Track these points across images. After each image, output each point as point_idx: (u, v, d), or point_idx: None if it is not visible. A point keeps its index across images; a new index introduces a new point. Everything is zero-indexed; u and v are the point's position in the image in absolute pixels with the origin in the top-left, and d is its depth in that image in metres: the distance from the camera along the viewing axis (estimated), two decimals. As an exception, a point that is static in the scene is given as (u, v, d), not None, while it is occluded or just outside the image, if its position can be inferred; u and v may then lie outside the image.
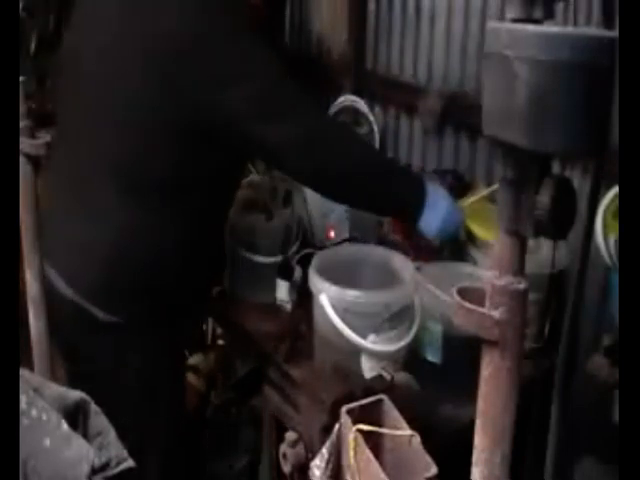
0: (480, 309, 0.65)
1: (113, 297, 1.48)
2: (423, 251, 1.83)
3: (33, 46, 2.70)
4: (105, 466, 0.75)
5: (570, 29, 0.59)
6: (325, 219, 2.17)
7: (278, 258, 1.87)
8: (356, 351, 1.50)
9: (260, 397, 1.73)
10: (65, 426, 0.75)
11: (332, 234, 2.09)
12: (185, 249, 1.53)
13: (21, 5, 1.49)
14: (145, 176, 1.44)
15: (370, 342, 1.49)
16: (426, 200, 1.52)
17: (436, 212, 1.53)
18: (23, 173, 1.19)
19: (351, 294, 1.49)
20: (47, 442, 0.74)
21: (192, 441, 2.16)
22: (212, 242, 1.66)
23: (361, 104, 2.32)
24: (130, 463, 0.77)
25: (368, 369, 1.50)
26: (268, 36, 2.63)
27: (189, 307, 1.64)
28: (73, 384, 1.38)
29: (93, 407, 0.81)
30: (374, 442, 1.19)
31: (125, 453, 0.78)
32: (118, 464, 0.76)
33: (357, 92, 2.40)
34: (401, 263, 1.66)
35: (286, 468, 1.40)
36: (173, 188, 1.46)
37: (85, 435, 0.78)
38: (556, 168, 1.70)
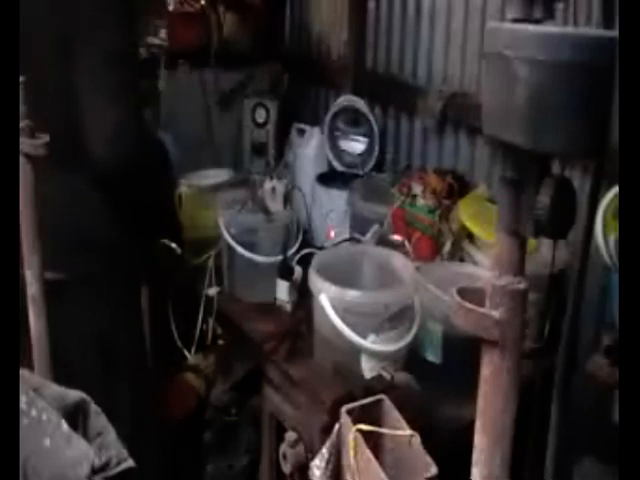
0: (480, 309, 0.65)
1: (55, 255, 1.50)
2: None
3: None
4: (105, 466, 0.75)
5: (570, 29, 0.59)
6: (325, 219, 2.17)
7: (278, 258, 1.87)
8: (356, 351, 1.50)
9: (260, 397, 1.73)
10: (65, 426, 0.75)
11: (332, 234, 2.09)
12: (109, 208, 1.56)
13: (21, 5, 1.49)
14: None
15: (370, 342, 1.49)
16: None
17: None
18: (23, 173, 1.19)
19: (351, 294, 1.49)
20: (47, 442, 0.74)
21: (192, 441, 2.16)
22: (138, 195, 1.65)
23: (361, 104, 2.32)
24: (130, 463, 0.77)
25: (368, 369, 1.50)
26: (268, 36, 2.64)
27: (130, 259, 1.65)
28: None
29: (93, 407, 0.81)
30: (374, 442, 1.19)
31: (125, 453, 0.78)
32: (118, 464, 0.76)
33: (357, 92, 2.40)
34: (401, 263, 1.66)
35: (286, 468, 1.40)
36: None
37: (85, 435, 0.78)
38: (556, 168, 1.70)
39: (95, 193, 1.53)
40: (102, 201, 1.54)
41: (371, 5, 2.41)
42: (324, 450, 1.24)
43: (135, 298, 1.76)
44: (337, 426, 1.23)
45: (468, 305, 0.65)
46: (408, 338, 1.53)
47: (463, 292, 0.66)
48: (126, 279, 1.65)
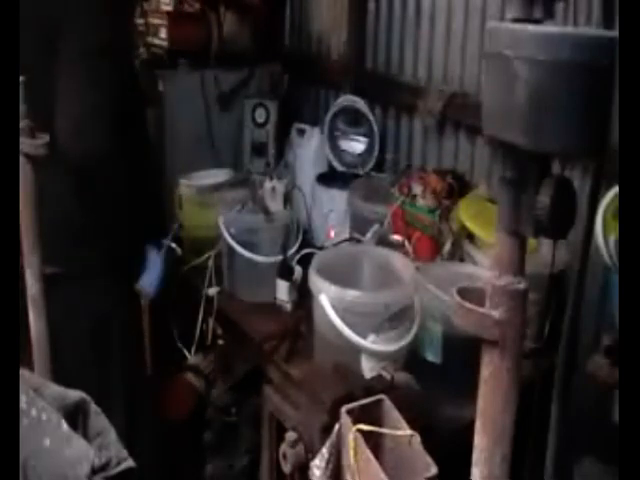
0: (480, 309, 0.65)
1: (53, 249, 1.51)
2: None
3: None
4: (105, 466, 0.75)
5: (570, 29, 0.59)
6: (325, 219, 2.17)
7: (278, 258, 1.87)
8: (356, 351, 1.50)
9: (260, 397, 1.73)
10: (65, 426, 0.75)
11: (332, 234, 2.09)
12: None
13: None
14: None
15: (370, 342, 1.49)
16: None
17: None
18: (23, 173, 1.19)
19: (351, 294, 1.49)
20: (47, 442, 0.74)
21: (192, 441, 2.16)
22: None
23: (361, 104, 2.32)
24: (130, 463, 0.77)
25: (368, 369, 1.50)
26: (268, 36, 2.64)
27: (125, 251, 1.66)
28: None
29: (93, 407, 0.81)
30: (374, 442, 1.19)
31: (125, 453, 0.78)
32: (118, 464, 0.76)
33: (357, 92, 2.40)
34: (401, 263, 1.66)
35: (286, 468, 1.40)
36: None
37: (85, 435, 0.78)
38: (556, 168, 1.70)
39: (80, 186, 1.52)
40: (82, 193, 1.54)
41: (371, 5, 2.41)
42: (324, 450, 1.24)
43: (131, 294, 1.76)
44: (337, 426, 1.23)
45: (468, 305, 0.65)
46: (408, 338, 1.53)
47: (463, 292, 0.66)
48: (120, 275, 1.65)
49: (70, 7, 1.45)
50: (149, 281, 1.68)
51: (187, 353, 2.10)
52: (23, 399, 0.77)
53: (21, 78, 1.11)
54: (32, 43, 1.45)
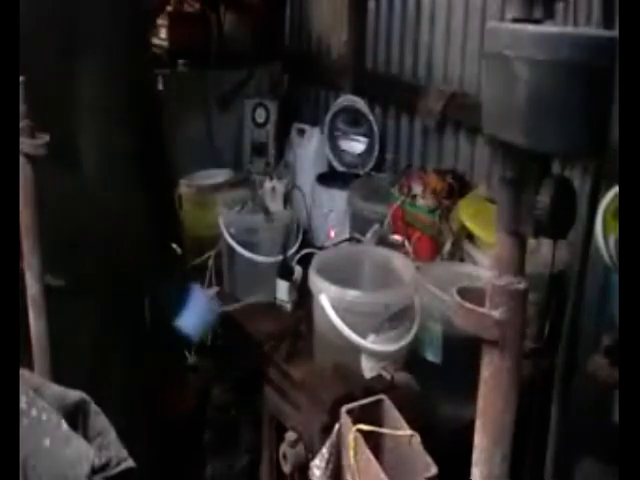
0: (480, 309, 0.65)
1: (56, 261, 1.48)
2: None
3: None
4: (105, 466, 0.75)
5: (570, 29, 0.59)
6: (325, 219, 2.17)
7: (278, 258, 1.87)
8: (356, 351, 1.50)
9: (260, 397, 1.73)
10: (65, 426, 0.75)
11: (332, 234, 2.09)
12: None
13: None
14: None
15: (370, 342, 1.49)
16: None
17: None
18: (23, 173, 1.19)
19: (351, 294, 1.49)
20: (47, 442, 0.74)
21: (192, 441, 2.16)
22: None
23: (361, 104, 2.32)
24: (130, 463, 0.77)
25: (368, 369, 1.50)
26: (268, 36, 2.64)
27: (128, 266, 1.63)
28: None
29: (93, 407, 0.81)
30: (374, 442, 1.19)
31: (125, 453, 0.78)
32: (118, 464, 0.76)
33: (357, 92, 2.40)
34: (401, 263, 1.66)
35: (286, 468, 1.40)
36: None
37: (85, 435, 0.78)
38: (556, 168, 1.70)
39: (88, 197, 1.50)
40: (95, 205, 1.52)
41: (371, 5, 2.41)
42: (324, 450, 1.24)
43: (135, 304, 1.73)
44: (337, 426, 1.23)
45: (468, 305, 0.65)
46: (408, 338, 1.53)
47: (463, 292, 0.66)
48: (123, 284, 1.62)
49: (89, 20, 1.44)
50: (191, 323, 1.64)
51: (187, 353, 2.10)
52: (23, 399, 0.77)
53: (21, 78, 1.10)
54: (51, 55, 1.44)
